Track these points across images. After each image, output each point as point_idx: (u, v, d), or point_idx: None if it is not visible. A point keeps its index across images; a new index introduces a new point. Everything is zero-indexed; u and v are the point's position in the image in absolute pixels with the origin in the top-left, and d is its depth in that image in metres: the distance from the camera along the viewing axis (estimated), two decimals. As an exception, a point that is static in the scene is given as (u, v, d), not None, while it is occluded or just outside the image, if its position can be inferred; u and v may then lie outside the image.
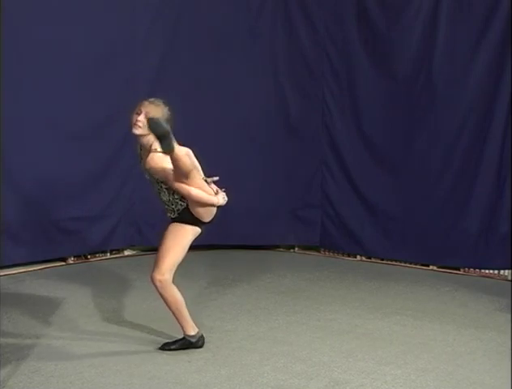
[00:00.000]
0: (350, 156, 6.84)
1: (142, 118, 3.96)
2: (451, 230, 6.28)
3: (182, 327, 4.17)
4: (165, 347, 4.17)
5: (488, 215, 6.11)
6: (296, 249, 7.22)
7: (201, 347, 4.18)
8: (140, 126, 3.97)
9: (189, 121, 6.73)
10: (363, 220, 6.78)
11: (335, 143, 6.91)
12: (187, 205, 4.04)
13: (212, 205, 4.05)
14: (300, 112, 7.00)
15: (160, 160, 3.94)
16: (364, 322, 4.79)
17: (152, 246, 6.78)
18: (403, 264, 6.58)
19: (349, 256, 6.92)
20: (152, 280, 4.05)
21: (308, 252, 7.12)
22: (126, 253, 6.80)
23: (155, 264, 4.06)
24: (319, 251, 7.12)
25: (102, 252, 6.60)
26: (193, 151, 6.65)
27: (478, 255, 6.18)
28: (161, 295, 4.08)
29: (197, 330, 4.19)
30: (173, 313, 4.15)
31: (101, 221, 6.44)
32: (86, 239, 6.35)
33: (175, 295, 4.09)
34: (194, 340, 4.17)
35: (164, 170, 3.95)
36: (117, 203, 6.51)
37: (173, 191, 4.02)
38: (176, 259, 4.06)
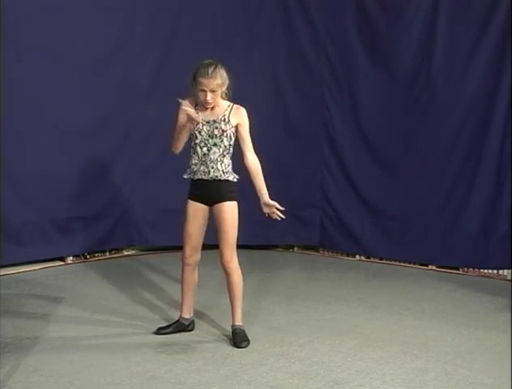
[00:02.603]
0: (349, 155, 6.84)
1: (210, 98, 4.10)
2: (451, 230, 6.28)
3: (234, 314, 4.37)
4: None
5: (487, 214, 6.10)
6: (296, 248, 7.22)
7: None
8: (212, 103, 4.13)
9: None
10: (362, 219, 6.78)
11: (335, 142, 6.91)
12: (228, 181, 4.21)
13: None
14: (300, 112, 7.00)
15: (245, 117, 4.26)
16: (363, 321, 4.79)
17: (152, 246, 6.81)
18: (402, 264, 6.58)
19: (348, 256, 6.92)
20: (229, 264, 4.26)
21: (307, 252, 7.13)
22: (125, 253, 6.80)
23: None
24: (318, 251, 7.12)
25: (101, 252, 6.60)
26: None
27: (477, 255, 6.18)
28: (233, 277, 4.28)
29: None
30: (238, 298, 4.33)
31: (100, 221, 6.44)
32: (85, 239, 6.35)
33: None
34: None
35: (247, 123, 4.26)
36: (117, 203, 6.52)
37: (228, 152, 4.21)
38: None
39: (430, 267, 6.46)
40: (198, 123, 4.15)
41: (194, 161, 4.24)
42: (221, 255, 4.24)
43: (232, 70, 6.79)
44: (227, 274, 4.27)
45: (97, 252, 6.56)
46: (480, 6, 6.02)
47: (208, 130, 4.17)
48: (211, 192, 4.22)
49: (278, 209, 4.23)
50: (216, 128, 4.17)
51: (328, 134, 6.93)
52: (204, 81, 4.07)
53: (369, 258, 6.82)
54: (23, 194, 5.91)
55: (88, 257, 6.49)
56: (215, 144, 4.18)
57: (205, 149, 4.19)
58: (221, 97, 4.19)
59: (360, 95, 6.74)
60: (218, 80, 4.09)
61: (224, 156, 4.21)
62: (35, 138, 5.92)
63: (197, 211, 4.26)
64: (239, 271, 4.28)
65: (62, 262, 6.31)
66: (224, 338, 4.36)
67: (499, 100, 5.97)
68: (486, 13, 5.99)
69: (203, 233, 4.34)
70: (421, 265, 6.51)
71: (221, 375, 3.78)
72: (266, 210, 4.25)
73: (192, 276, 4.38)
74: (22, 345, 4.15)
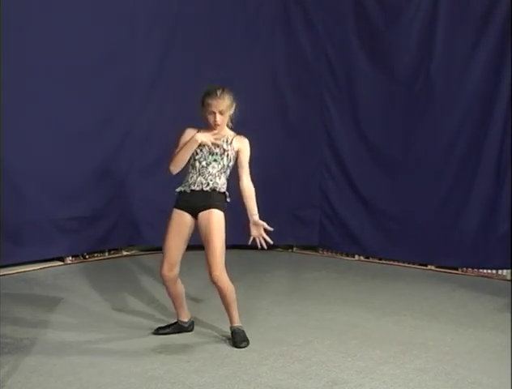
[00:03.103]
0: (349, 155, 6.84)
1: (219, 119, 4.17)
2: (450, 230, 6.28)
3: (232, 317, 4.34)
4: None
5: (486, 214, 6.11)
6: (295, 249, 7.23)
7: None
8: (221, 124, 4.20)
9: (189, 122, 6.74)
10: (362, 219, 6.78)
11: (334, 142, 6.92)
12: (225, 194, 4.24)
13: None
14: (299, 112, 7.00)
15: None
16: (362, 321, 4.79)
17: (151, 246, 6.81)
18: (401, 264, 6.58)
19: (348, 256, 6.92)
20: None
21: (306, 252, 7.13)
22: (125, 253, 6.80)
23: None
24: (318, 251, 7.12)
25: (100, 252, 6.60)
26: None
27: (477, 255, 6.18)
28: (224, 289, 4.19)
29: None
30: (232, 304, 4.27)
31: (100, 221, 6.44)
32: (84, 239, 6.35)
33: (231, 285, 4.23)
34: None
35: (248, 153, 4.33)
36: (116, 203, 6.52)
37: (225, 172, 4.25)
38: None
39: (429, 267, 6.46)
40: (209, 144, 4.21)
41: (190, 175, 4.25)
42: (210, 269, 4.13)
43: (232, 70, 6.86)
44: (218, 287, 4.19)
45: (96, 252, 6.56)
46: (479, 6, 6.02)
47: (209, 148, 4.21)
48: (200, 198, 4.18)
49: (266, 230, 4.21)
50: (218, 146, 4.21)
51: (328, 134, 6.94)
52: (213, 102, 4.14)
53: (368, 258, 6.83)
54: (22, 194, 5.90)
55: (87, 257, 6.49)
56: (215, 160, 4.22)
57: (204, 163, 4.22)
58: (227, 125, 4.28)
59: (359, 95, 6.74)
60: (227, 101, 4.16)
61: (222, 174, 4.24)
62: (35, 138, 5.92)
63: (182, 220, 4.22)
64: (228, 281, 4.19)
65: (62, 263, 6.30)
66: (223, 338, 4.36)
67: (499, 100, 5.98)
68: (486, 13, 5.99)
69: (184, 249, 4.26)
70: (420, 265, 6.51)
71: (220, 375, 3.78)
72: (254, 231, 4.22)
73: (177, 287, 4.32)
74: (21, 345, 4.15)
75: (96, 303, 5.08)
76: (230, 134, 4.29)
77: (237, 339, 4.23)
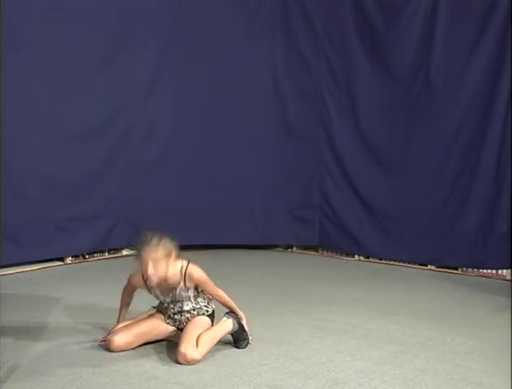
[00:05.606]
0: (348, 156, 6.85)
1: (151, 271, 3.92)
2: (450, 230, 6.29)
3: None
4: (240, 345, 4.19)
5: (486, 214, 6.11)
6: (295, 249, 7.23)
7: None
8: (154, 277, 3.94)
9: (188, 122, 6.76)
10: (361, 219, 6.79)
11: (334, 143, 6.92)
12: (212, 311, 4.21)
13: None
14: (299, 112, 7.01)
15: (200, 271, 4.08)
16: (362, 321, 4.79)
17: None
18: (401, 264, 6.59)
19: (347, 256, 6.92)
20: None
21: (306, 252, 7.13)
22: (124, 253, 6.80)
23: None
24: (317, 251, 7.13)
25: (100, 252, 6.61)
26: (192, 151, 6.70)
27: (476, 255, 6.19)
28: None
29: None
30: (218, 336, 4.15)
31: (99, 221, 6.45)
32: (84, 239, 6.36)
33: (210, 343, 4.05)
34: (237, 328, 4.20)
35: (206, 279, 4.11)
36: (116, 203, 6.52)
37: (197, 298, 4.14)
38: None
39: (429, 266, 6.47)
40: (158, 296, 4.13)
41: (171, 308, 4.17)
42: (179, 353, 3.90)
43: (232, 69, 6.86)
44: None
45: (96, 252, 6.56)
46: (479, 6, 6.03)
47: (173, 300, 4.12)
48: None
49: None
50: (179, 295, 4.10)
51: (327, 134, 6.95)
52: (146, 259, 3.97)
53: (367, 258, 6.83)
54: (22, 194, 5.91)
55: (87, 257, 6.49)
56: (183, 300, 4.13)
57: (178, 307, 4.15)
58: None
59: (358, 95, 6.75)
60: (161, 251, 3.95)
61: (196, 298, 4.16)
62: (35, 139, 5.93)
63: (158, 321, 4.19)
64: (199, 353, 3.94)
65: (61, 263, 6.31)
66: (224, 338, 4.36)
67: (498, 100, 5.98)
68: (485, 13, 6.00)
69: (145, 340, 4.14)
70: (420, 265, 6.52)
71: (220, 375, 3.78)
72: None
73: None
74: (20, 345, 4.14)
75: (96, 303, 5.07)
76: (178, 274, 4.03)
77: (237, 339, 4.23)
